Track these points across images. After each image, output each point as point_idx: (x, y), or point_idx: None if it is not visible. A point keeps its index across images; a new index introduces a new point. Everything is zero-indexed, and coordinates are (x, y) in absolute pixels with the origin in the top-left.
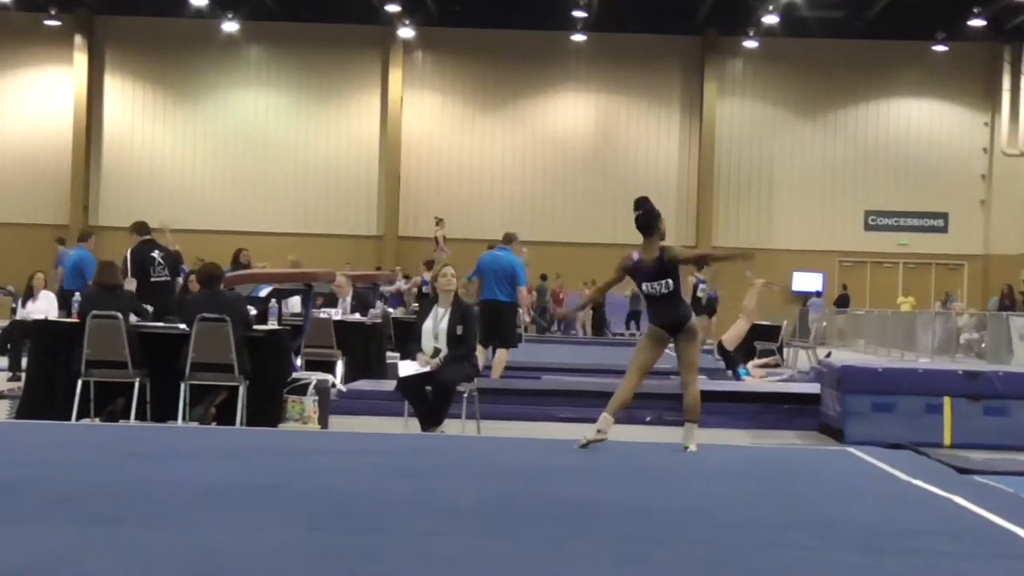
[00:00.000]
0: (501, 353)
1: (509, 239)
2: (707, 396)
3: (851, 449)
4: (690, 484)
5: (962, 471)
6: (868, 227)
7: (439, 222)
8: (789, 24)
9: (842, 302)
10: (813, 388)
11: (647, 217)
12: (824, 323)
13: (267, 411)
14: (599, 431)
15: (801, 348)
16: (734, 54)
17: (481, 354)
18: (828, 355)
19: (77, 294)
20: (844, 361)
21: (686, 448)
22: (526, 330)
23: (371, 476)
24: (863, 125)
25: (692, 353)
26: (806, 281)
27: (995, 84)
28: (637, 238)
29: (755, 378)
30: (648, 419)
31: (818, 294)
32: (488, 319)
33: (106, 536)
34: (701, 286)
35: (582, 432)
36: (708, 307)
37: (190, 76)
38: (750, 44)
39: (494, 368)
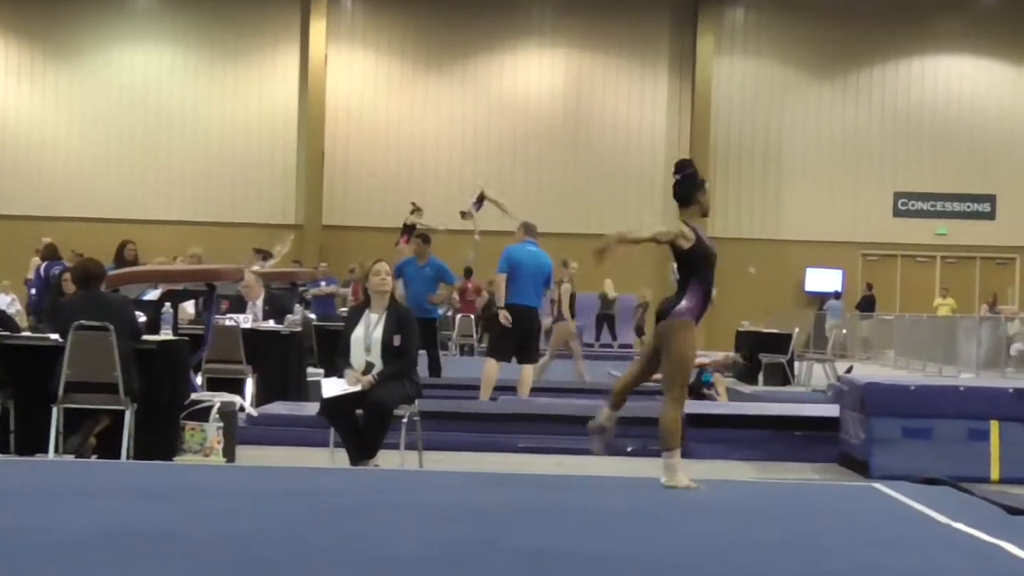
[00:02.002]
0: (529, 370)
1: (534, 231)
2: (703, 420)
3: (878, 485)
4: (681, 528)
5: (1014, 512)
6: (898, 213)
7: (415, 211)
8: None
9: (866, 305)
10: (831, 410)
11: (684, 185)
12: (844, 330)
13: (160, 441)
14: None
15: (817, 361)
16: (734, 1)
17: (495, 369)
18: (849, 370)
19: None
20: (869, 377)
21: (665, 483)
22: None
23: (289, 521)
24: (892, 88)
25: (665, 363)
26: (822, 279)
27: None
28: (615, 226)
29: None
30: (630, 449)
31: (837, 295)
32: (520, 329)
33: None
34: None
35: (546, 464)
36: None
37: (67, 29)
38: None
39: (523, 386)
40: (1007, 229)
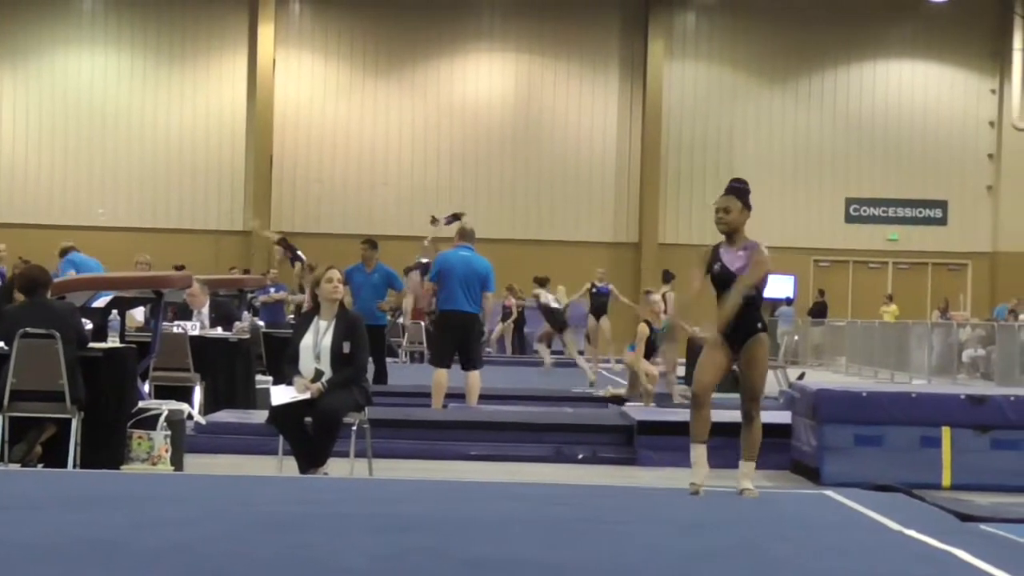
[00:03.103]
0: (474, 376)
1: (471, 236)
2: (653, 427)
3: (830, 492)
4: (631, 537)
5: (965, 518)
6: (850, 219)
7: (434, 220)
8: None
9: (818, 311)
10: (783, 417)
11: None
12: (796, 337)
13: (106, 449)
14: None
15: (768, 368)
16: (685, 5)
17: (443, 377)
18: (801, 376)
19: None
20: (821, 384)
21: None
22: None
23: (237, 530)
24: (843, 94)
25: (756, 378)
26: (774, 286)
27: (1005, 43)
28: (567, 232)
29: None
30: (581, 456)
31: (788, 301)
32: (454, 334)
33: None
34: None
35: (498, 472)
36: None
37: (9, 31)
38: None
39: (470, 393)
40: (959, 235)
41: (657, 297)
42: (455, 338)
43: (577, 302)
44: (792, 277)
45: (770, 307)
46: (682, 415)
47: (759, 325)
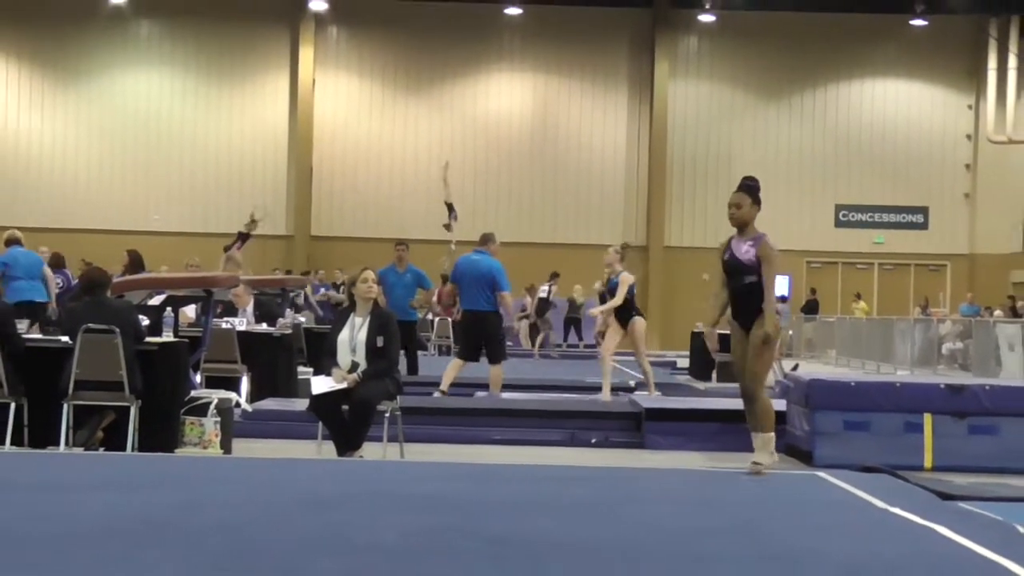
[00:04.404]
0: (495, 369)
1: (485, 240)
2: (660, 414)
3: (821, 473)
4: (638, 515)
5: (945, 497)
6: (839, 223)
7: (252, 221)
8: None
9: (810, 308)
10: (778, 404)
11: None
12: (790, 332)
13: (162, 434)
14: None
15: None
16: (688, 29)
17: (455, 368)
18: (795, 367)
19: None
20: (812, 374)
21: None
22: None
23: (280, 508)
24: (833, 109)
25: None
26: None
27: (980, 63)
28: (580, 236)
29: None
30: (594, 441)
31: (783, 299)
32: (471, 331)
33: None
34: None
35: (518, 455)
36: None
37: (73, 55)
38: (706, 18)
39: (492, 384)
40: (939, 238)
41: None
42: (472, 334)
43: (593, 297)
44: (787, 277)
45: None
46: (686, 403)
47: (762, 308)
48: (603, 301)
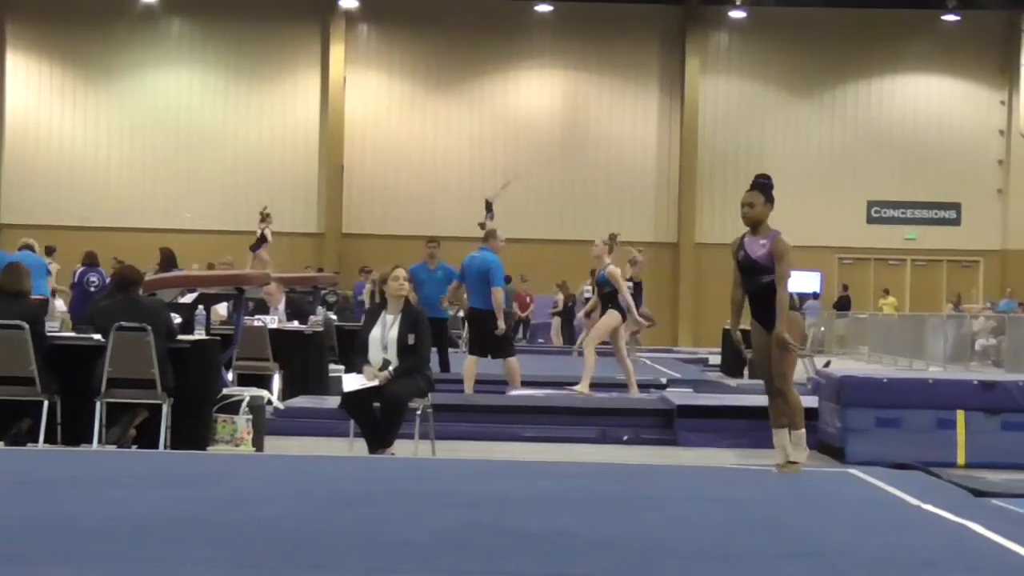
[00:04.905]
0: (506, 364)
1: (487, 236)
2: (693, 411)
3: (853, 470)
4: (669, 511)
5: (978, 494)
6: (871, 220)
7: (265, 217)
8: None
9: (842, 304)
10: (810, 401)
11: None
12: (822, 328)
13: (194, 432)
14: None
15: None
16: (719, 25)
17: (471, 365)
18: (827, 364)
19: None
20: (844, 371)
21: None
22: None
23: (311, 505)
24: (864, 105)
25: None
26: (802, 281)
27: (1012, 58)
28: (610, 231)
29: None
30: (625, 438)
31: (815, 296)
32: (474, 328)
33: None
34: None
35: (549, 452)
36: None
37: (104, 53)
38: (737, 14)
39: (510, 380)
40: (971, 234)
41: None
42: (475, 331)
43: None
44: (819, 273)
45: (798, 301)
46: (718, 400)
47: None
48: (599, 293)
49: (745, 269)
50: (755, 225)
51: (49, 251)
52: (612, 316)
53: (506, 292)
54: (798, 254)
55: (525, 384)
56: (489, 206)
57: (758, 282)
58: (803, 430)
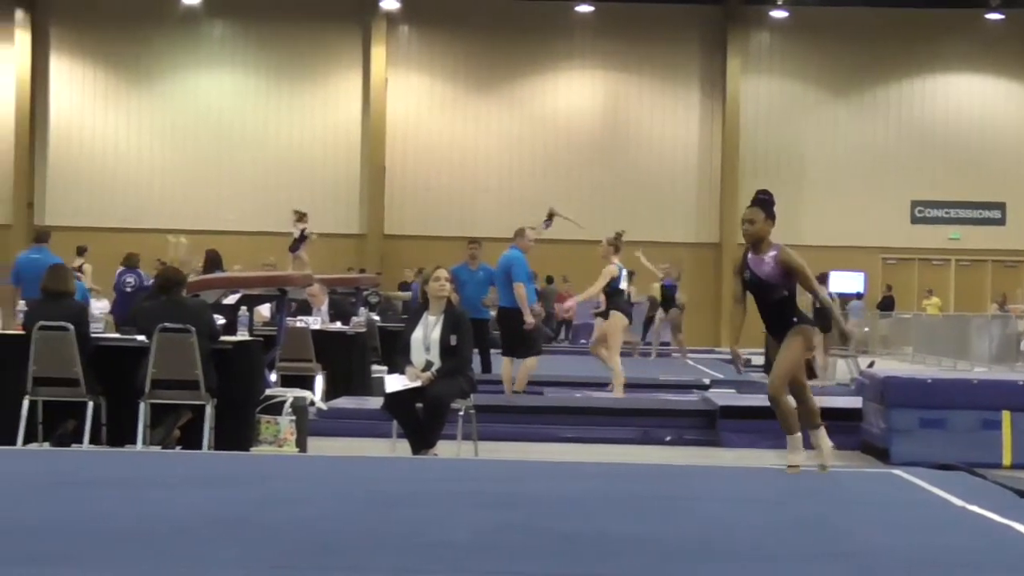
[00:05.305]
0: (525, 362)
1: (515, 234)
2: (734, 412)
3: (897, 471)
4: (711, 512)
5: None
6: (915, 220)
7: (301, 217)
8: None
9: (886, 304)
10: (854, 402)
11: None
12: (866, 328)
13: (237, 433)
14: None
15: (840, 356)
16: (760, 25)
17: (508, 366)
18: (871, 364)
19: (22, 302)
20: (888, 371)
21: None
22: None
23: (352, 506)
24: (907, 104)
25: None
26: (845, 281)
27: None
28: (652, 233)
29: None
30: (668, 439)
31: (859, 296)
32: (502, 327)
33: None
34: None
35: (590, 453)
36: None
37: (147, 56)
38: (778, 14)
39: (518, 379)
40: (1016, 234)
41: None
42: (502, 329)
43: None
44: (862, 274)
45: (842, 301)
46: (760, 401)
47: (794, 320)
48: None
49: (754, 289)
50: (757, 242)
51: (80, 251)
52: (616, 319)
53: (547, 293)
54: (842, 254)
55: (566, 385)
56: (551, 217)
57: (771, 299)
58: (799, 434)
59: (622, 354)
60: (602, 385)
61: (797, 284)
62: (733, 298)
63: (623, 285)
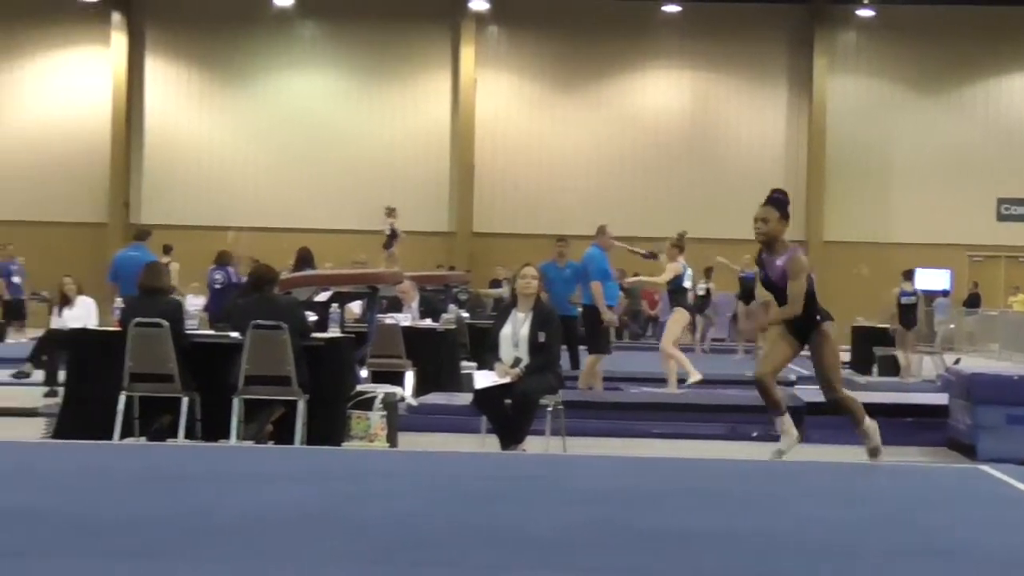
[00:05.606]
0: (590, 358)
1: (597, 232)
2: (818, 408)
3: (983, 467)
4: (794, 508)
5: None
6: (1001, 217)
7: (391, 212)
8: None
9: (972, 302)
10: (940, 398)
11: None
12: (952, 325)
13: (329, 428)
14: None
15: (926, 353)
16: (846, 24)
17: (591, 364)
18: (956, 361)
19: (119, 299)
20: (975, 368)
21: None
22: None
23: (444, 500)
24: (994, 102)
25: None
26: (931, 278)
27: None
28: (738, 230)
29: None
30: (755, 435)
31: (945, 293)
32: (585, 324)
33: (132, 571)
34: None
35: (677, 449)
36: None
37: (239, 57)
38: (864, 13)
39: (582, 375)
40: None
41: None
42: (585, 326)
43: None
44: (948, 271)
45: (927, 299)
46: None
47: (818, 317)
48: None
49: (769, 288)
50: (770, 242)
51: (167, 250)
52: (680, 313)
53: (634, 290)
54: (928, 251)
55: (648, 381)
56: (652, 254)
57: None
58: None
59: (684, 349)
60: (681, 381)
61: (813, 284)
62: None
63: (687, 284)
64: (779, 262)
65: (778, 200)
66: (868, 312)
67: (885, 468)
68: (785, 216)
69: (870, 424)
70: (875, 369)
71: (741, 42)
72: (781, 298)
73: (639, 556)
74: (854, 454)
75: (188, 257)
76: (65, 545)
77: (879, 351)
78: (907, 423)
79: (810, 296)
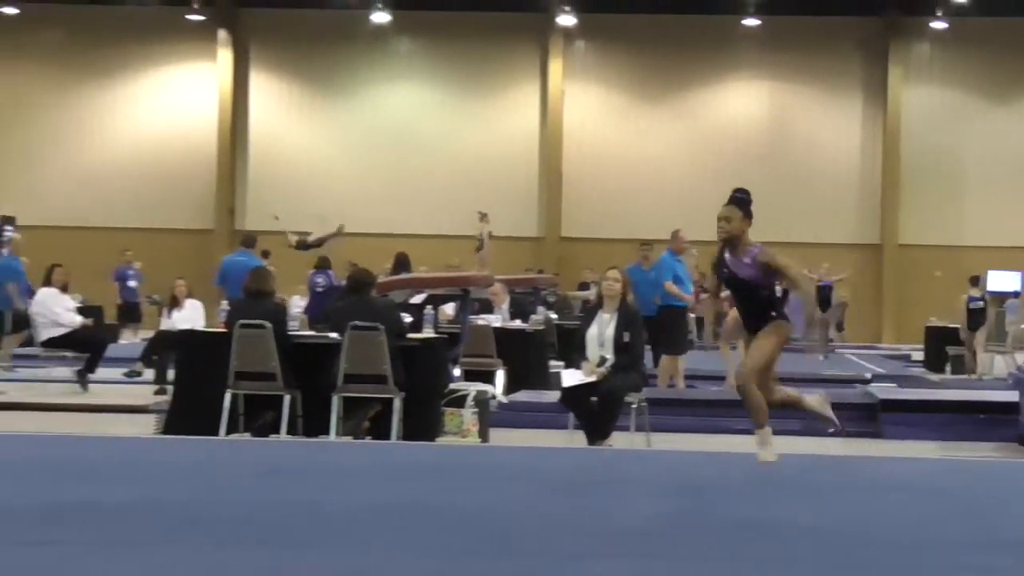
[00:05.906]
0: (664, 358)
1: (672, 236)
2: (893, 405)
3: None
4: (870, 501)
5: None
6: None
7: (483, 217)
8: (980, 2)
9: None
10: (1011, 396)
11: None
12: (1022, 325)
13: (423, 424)
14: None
15: (998, 353)
16: (920, 36)
17: (671, 363)
18: None
19: (224, 302)
20: None
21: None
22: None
23: (533, 494)
24: None
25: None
26: (1002, 280)
27: None
28: (814, 235)
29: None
30: (831, 431)
31: (1016, 294)
32: (662, 325)
33: (238, 560)
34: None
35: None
36: None
37: (338, 71)
38: (938, 25)
39: (659, 375)
40: None
41: None
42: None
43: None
44: (1019, 273)
45: (999, 300)
46: (920, 394)
47: (773, 314)
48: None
49: (733, 287)
50: (732, 241)
51: (265, 255)
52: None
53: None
54: (999, 254)
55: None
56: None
57: (755, 297)
58: (768, 428)
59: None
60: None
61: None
62: (717, 298)
63: None
64: (747, 259)
65: (741, 199)
66: (942, 312)
67: (956, 462)
68: (748, 215)
69: (767, 431)
70: (948, 367)
71: (818, 54)
72: (749, 296)
73: (729, 546)
74: (929, 450)
75: (290, 261)
76: (180, 535)
77: (951, 350)
78: (979, 419)
79: (773, 293)
